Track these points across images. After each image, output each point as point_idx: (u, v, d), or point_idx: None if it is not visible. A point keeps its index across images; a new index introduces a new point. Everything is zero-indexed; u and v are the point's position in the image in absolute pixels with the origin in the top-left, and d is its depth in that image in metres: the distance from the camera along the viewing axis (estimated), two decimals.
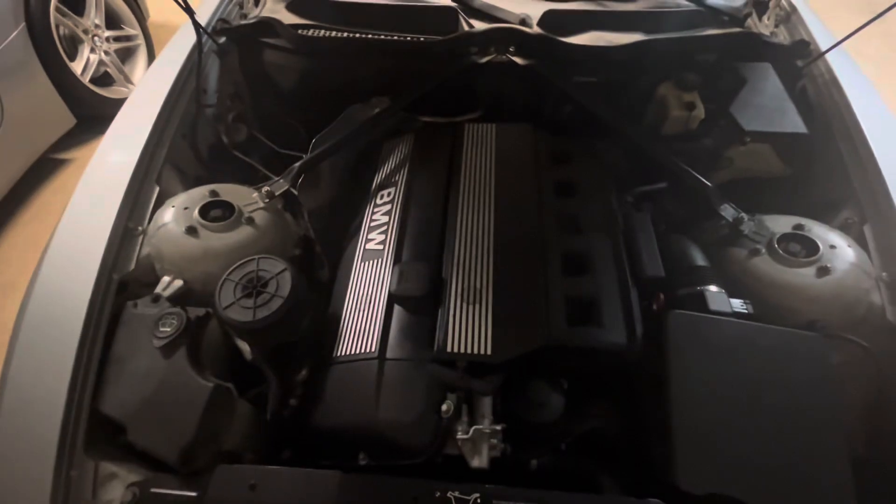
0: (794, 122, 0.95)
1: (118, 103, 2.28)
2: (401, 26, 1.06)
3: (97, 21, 2.14)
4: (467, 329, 0.69)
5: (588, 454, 0.71)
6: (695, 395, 0.65)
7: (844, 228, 0.85)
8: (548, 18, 1.04)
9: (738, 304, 0.74)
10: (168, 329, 0.72)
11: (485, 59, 1.03)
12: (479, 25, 1.05)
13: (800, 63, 1.06)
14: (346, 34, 1.06)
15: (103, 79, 2.21)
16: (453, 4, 1.08)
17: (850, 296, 0.75)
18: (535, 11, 1.06)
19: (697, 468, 0.61)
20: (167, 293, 0.78)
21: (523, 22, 1.04)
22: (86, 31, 2.09)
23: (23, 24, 1.77)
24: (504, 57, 1.02)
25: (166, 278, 0.79)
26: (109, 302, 0.75)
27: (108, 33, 2.20)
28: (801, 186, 0.97)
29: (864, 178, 0.86)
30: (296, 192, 0.92)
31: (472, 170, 0.91)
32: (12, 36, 1.73)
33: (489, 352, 0.67)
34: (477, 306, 0.71)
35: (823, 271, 0.75)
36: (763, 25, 1.17)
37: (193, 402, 0.66)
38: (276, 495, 0.60)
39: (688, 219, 0.93)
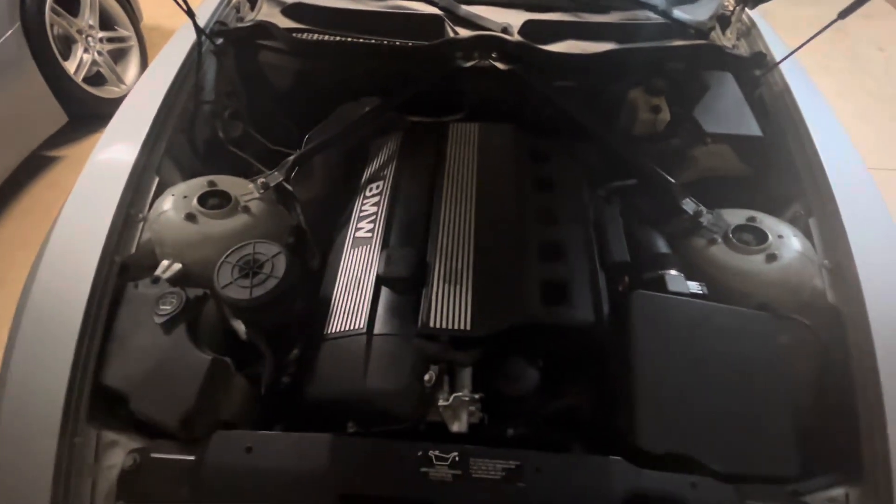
0: (749, 126, 1.04)
1: (110, 102, 2.34)
2: (390, 32, 1.13)
3: (91, 22, 2.18)
4: (449, 307, 0.75)
5: (561, 426, 0.77)
6: (655, 366, 0.72)
7: (793, 221, 0.94)
8: (528, 27, 1.12)
9: (695, 287, 0.82)
10: (168, 307, 0.76)
11: (469, 64, 1.10)
12: (464, 32, 1.12)
13: (757, 72, 1.16)
14: (338, 38, 1.13)
15: (96, 78, 2.24)
16: (440, 13, 1.15)
17: (795, 280, 0.83)
18: (516, 21, 1.14)
19: (656, 429, 0.68)
20: (166, 275, 0.82)
21: (505, 30, 1.11)
22: (80, 32, 2.13)
23: (18, 24, 1.80)
24: (487, 62, 1.09)
25: (165, 262, 0.84)
26: (111, 282, 0.80)
27: (101, 34, 2.24)
28: (757, 184, 1.06)
29: (811, 177, 0.94)
30: (289, 185, 0.98)
31: (456, 165, 0.97)
32: (7, 34, 1.76)
33: (468, 327, 0.73)
34: (458, 286, 0.77)
35: (772, 258, 0.83)
36: (725, 38, 1.26)
37: (193, 373, 0.71)
38: (271, 457, 0.65)
39: (655, 212, 1.01)
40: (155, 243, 0.86)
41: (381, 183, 0.99)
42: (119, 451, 0.70)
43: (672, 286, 0.80)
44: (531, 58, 1.08)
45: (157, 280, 0.81)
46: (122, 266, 0.83)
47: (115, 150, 0.95)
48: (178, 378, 0.71)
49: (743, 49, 1.23)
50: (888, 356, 0.71)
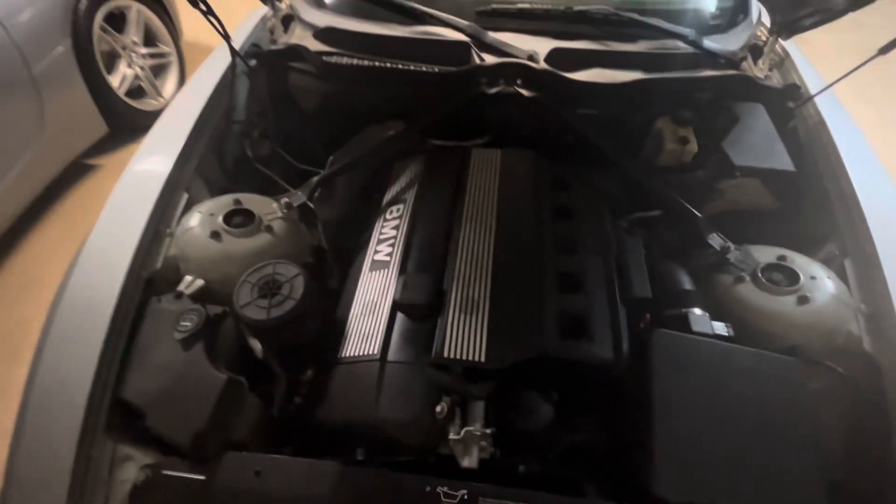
0: (781, 160, 1.01)
1: (148, 115, 2.44)
2: (418, 57, 1.15)
3: (135, 39, 2.29)
4: (464, 337, 0.74)
5: (574, 464, 0.75)
6: (675, 410, 0.69)
7: (827, 262, 0.90)
8: (554, 55, 1.12)
9: (720, 327, 0.79)
10: (188, 324, 0.78)
11: (493, 90, 1.11)
12: (490, 59, 1.13)
13: (791, 105, 1.13)
14: (366, 62, 1.15)
15: (136, 91, 2.35)
16: (467, 39, 1.16)
17: (828, 324, 0.79)
18: (543, 48, 1.14)
19: (674, 477, 0.65)
20: (189, 291, 0.84)
21: (531, 57, 1.11)
22: (124, 48, 2.24)
23: (69, 40, 1.90)
24: (511, 89, 1.10)
25: (189, 277, 0.86)
26: (136, 296, 0.82)
27: (143, 50, 2.35)
28: (788, 220, 1.02)
29: (847, 216, 0.91)
30: (311, 205, 0.99)
31: (477, 191, 0.97)
32: (59, 50, 1.87)
33: (483, 359, 0.72)
34: (474, 316, 0.76)
35: (803, 300, 0.80)
36: (758, 69, 1.24)
37: (208, 391, 0.71)
38: (279, 482, 0.65)
39: (680, 246, 0.99)
40: (180, 259, 0.89)
41: (401, 206, 0.99)
42: (133, 466, 0.71)
43: (696, 326, 0.77)
44: (556, 85, 1.08)
45: (179, 295, 0.83)
46: (148, 280, 0.85)
47: (149, 166, 0.99)
48: (193, 396, 0.71)
49: (776, 80, 1.21)
50: None
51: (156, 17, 2.36)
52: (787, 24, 1.13)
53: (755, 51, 1.27)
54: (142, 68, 2.34)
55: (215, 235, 0.89)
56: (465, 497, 0.62)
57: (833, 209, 0.93)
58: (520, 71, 1.09)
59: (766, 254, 0.89)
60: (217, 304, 0.82)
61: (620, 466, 0.71)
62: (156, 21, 2.38)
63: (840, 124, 1.05)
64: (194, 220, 0.92)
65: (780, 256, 0.87)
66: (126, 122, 2.25)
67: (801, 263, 0.86)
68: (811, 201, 0.99)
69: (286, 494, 0.64)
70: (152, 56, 2.41)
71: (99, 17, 2.04)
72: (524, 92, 1.10)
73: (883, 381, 0.73)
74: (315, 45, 1.22)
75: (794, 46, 1.27)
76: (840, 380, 0.75)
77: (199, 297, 0.84)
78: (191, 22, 2.74)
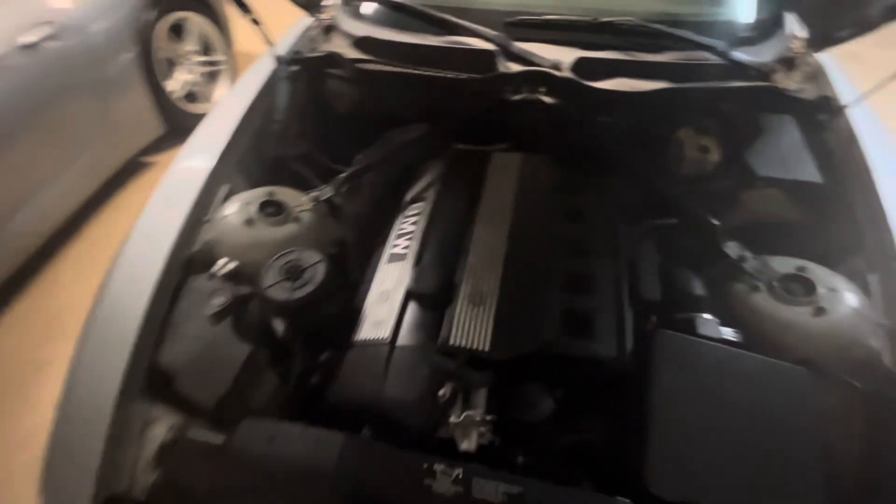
0: (807, 171, 0.99)
1: (200, 117, 2.60)
2: (446, 64, 1.20)
3: (192, 47, 2.48)
4: (471, 327, 0.77)
5: (572, 459, 0.76)
6: (674, 409, 0.69)
7: (851, 276, 0.87)
8: (579, 64, 1.14)
9: (728, 333, 0.78)
10: (218, 301, 0.85)
11: (517, 97, 1.14)
12: (515, 68, 1.17)
13: (822, 117, 1.10)
14: (396, 69, 1.21)
15: (190, 96, 2.54)
16: (494, 48, 1.21)
17: (846, 337, 0.77)
18: (569, 58, 1.17)
19: (669, 475, 0.65)
20: (221, 272, 0.91)
21: (555, 66, 1.14)
22: (182, 56, 2.43)
23: (136, 47, 2.09)
24: (534, 96, 1.13)
25: (222, 260, 0.93)
26: (176, 275, 0.90)
27: (199, 58, 2.54)
28: (814, 233, 1.00)
29: (874, 230, 0.88)
30: (338, 200, 1.06)
31: (494, 192, 1.01)
32: (127, 56, 2.06)
33: (487, 348, 0.75)
34: (482, 308, 0.79)
35: (819, 311, 0.78)
36: (791, 81, 1.21)
37: (231, 362, 0.78)
38: (289, 448, 0.70)
39: (697, 254, 0.98)
40: (215, 243, 0.96)
41: (421, 204, 1.04)
42: (162, 426, 0.77)
43: (702, 329, 0.77)
44: (578, 93, 1.10)
45: (213, 276, 0.91)
46: (187, 261, 0.93)
47: (195, 160, 1.08)
48: (218, 366, 0.78)
49: (809, 93, 1.18)
50: None
51: (212, 28, 2.55)
52: (822, 37, 1.12)
53: (789, 63, 1.25)
54: (197, 75, 2.53)
55: (249, 223, 0.96)
56: (460, 476, 0.64)
57: (860, 223, 0.91)
58: (543, 79, 1.12)
59: (785, 265, 0.87)
60: (246, 286, 0.89)
61: (617, 463, 0.71)
62: (211, 32, 2.57)
63: (874, 137, 1.02)
64: (231, 208, 1.00)
65: (800, 268, 0.86)
66: (180, 124, 2.43)
67: (821, 275, 0.84)
68: (838, 215, 0.97)
69: (295, 460, 0.69)
70: (207, 64, 2.60)
71: (163, 28, 2.23)
72: (546, 99, 1.13)
73: None
74: (352, 53, 1.30)
75: (831, 60, 1.25)
76: (855, 394, 0.73)
77: (231, 278, 0.91)
78: (243, 33, 2.95)
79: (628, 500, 0.63)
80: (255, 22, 1.11)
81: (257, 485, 0.69)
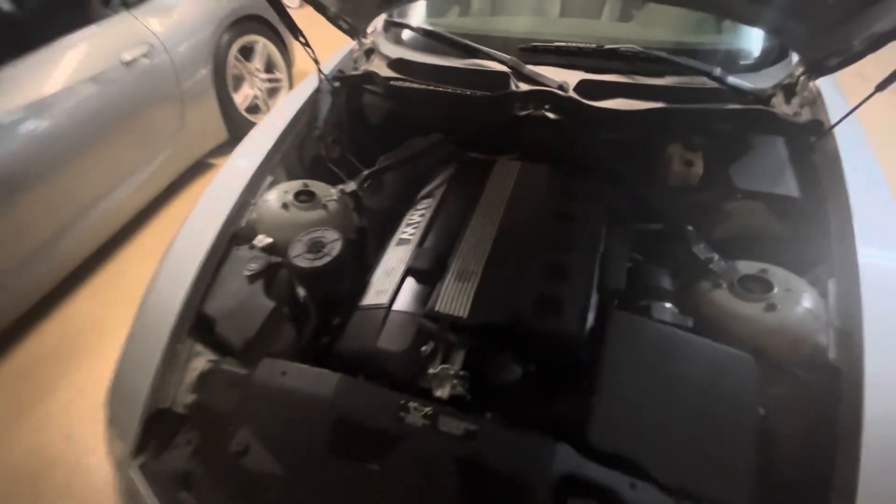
0: (786, 186, 1.07)
1: None
2: (465, 83, 1.37)
3: (258, 66, 2.82)
4: (454, 298, 0.91)
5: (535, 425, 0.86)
6: (619, 376, 0.80)
7: (813, 281, 0.94)
8: (582, 85, 1.28)
9: (682, 319, 0.87)
10: (254, 265, 1.04)
11: (524, 113, 1.29)
12: (524, 87, 1.32)
13: (811, 139, 1.17)
14: (423, 86, 1.40)
15: (253, 108, 2.87)
16: (507, 70, 1.37)
17: (795, 333, 0.84)
18: (574, 79, 1.31)
19: (608, 430, 0.75)
20: (259, 245, 1.11)
21: (560, 87, 1.28)
22: (249, 73, 2.77)
23: (210, 65, 2.43)
24: (539, 112, 1.27)
25: (261, 236, 1.13)
26: (223, 245, 1.10)
27: (263, 76, 2.88)
28: (787, 242, 1.06)
29: (841, 243, 0.94)
30: (360, 194, 1.24)
31: (493, 192, 1.15)
32: (202, 73, 2.39)
33: (466, 316, 0.88)
34: (466, 284, 0.93)
35: (771, 307, 0.86)
36: (789, 106, 1.29)
37: (258, 313, 0.96)
38: (296, 381, 0.86)
39: (674, 255, 1.07)
40: (257, 222, 1.16)
41: (430, 200, 1.20)
42: (201, 360, 0.96)
43: (657, 314, 0.87)
44: (579, 111, 1.23)
45: (252, 247, 1.10)
46: (232, 235, 1.13)
47: (246, 156, 1.30)
48: (248, 315, 0.96)
49: (803, 116, 1.25)
50: (876, 420, 0.71)
51: (276, 50, 2.89)
52: (813, 65, 1.19)
53: (790, 89, 1.32)
54: (260, 90, 2.86)
55: (285, 207, 1.16)
56: (429, 412, 0.77)
57: (830, 236, 0.97)
58: (548, 97, 1.27)
59: (749, 267, 0.95)
60: (278, 257, 1.08)
61: (565, 418, 0.81)
62: (275, 53, 2.91)
63: (856, 158, 1.08)
64: (271, 195, 1.20)
65: (762, 270, 0.93)
66: (242, 132, 2.73)
67: (781, 277, 0.92)
68: (812, 228, 1.03)
69: (299, 390, 0.84)
70: (269, 81, 2.93)
71: (234, 49, 2.57)
72: (550, 115, 1.27)
73: (842, 392, 0.77)
74: (387, 73, 1.50)
75: (832, 88, 1.31)
76: (797, 384, 0.80)
77: (267, 250, 1.10)
78: (302, 55, 3.29)
79: (568, 446, 0.73)
80: (306, 44, 1.33)
81: (270, 408, 0.85)
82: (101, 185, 2.02)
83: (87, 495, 1.54)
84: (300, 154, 1.43)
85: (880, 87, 0.95)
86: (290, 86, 3.09)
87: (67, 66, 1.86)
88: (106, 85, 1.95)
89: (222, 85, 2.53)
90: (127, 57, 2.03)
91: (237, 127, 2.71)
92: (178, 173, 2.52)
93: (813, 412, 0.79)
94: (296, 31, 1.29)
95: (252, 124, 2.78)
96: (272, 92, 3.00)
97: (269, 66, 2.93)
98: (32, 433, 1.68)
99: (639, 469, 0.72)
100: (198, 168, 2.70)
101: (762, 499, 0.70)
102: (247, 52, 2.73)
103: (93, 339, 1.96)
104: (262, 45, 2.79)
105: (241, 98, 2.73)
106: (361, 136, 1.54)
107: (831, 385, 0.78)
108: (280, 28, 2.89)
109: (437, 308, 0.90)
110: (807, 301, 0.87)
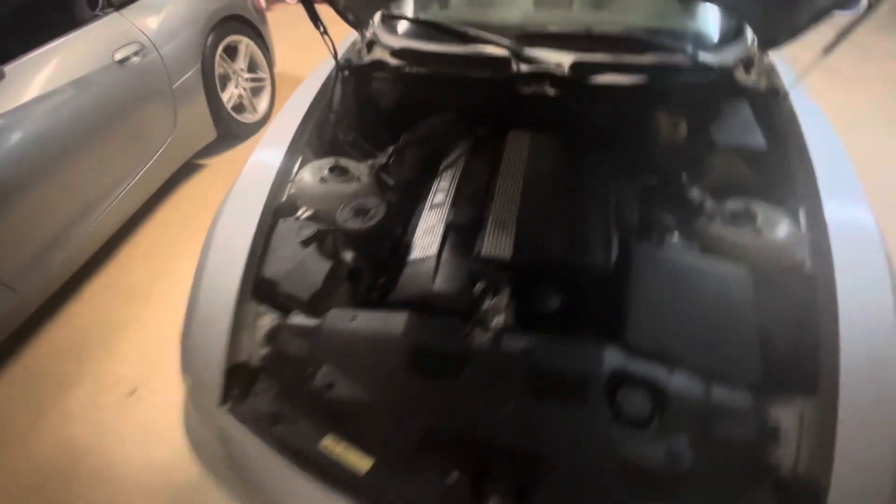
0: (756, 140, 1.27)
1: (246, 126, 2.98)
2: (471, 67, 1.51)
3: (242, 66, 2.85)
4: (497, 244, 1.04)
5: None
6: (647, 291, 0.96)
7: (786, 211, 1.14)
8: (576, 65, 1.45)
9: (689, 245, 1.05)
10: (307, 232, 1.14)
11: (527, 91, 1.45)
12: (525, 69, 1.47)
13: (770, 102, 1.39)
14: (433, 71, 1.52)
15: (238, 107, 2.89)
16: (508, 55, 1.52)
17: (777, 251, 1.03)
18: (568, 60, 1.48)
19: (645, 331, 0.91)
20: (303, 216, 1.21)
21: (557, 66, 1.45)
22: (234, 72, 2.80)
23: (198, 64, 2.46)
24: (541, 89, 1.43)
25: (304, 208, 1.23)
26: (269, 217, 1.19)
27: (247, 75, 2.91)
28: (762, 184, 1.26)
29: (805, 181, 1.14)
30: (387, 167, 1.35)
31: (511, 157, 1.29)
32: (191, 72, 2.41)
33: (509, 257, 1.02)
34: (505, 232, 1.07)
35: (758, 232, 1.05)
36: (749, 76, 1.51)
37: (321, 269, 1.06)
38: (367, 323, 0.96)
39: (673, 200, 1.25)
40: (297, 196, 1.26)
41: (453, 170, 1.33)
42: (268, 318, 1.05)
43: (667, 243, 1.04)
44: (574, 87, 1.40)
45: (297, 218, 1.20)
46: (276, 209, 1.22)
47: (277, 139, 1.38)
48: (311, 272, 1.06)
49: (761, 84, 1.47)
50: (846, 312, 0.88)
51: (258, 50, 2.93)
52: (767, 40, 1.41)
53: (748, 62, 1.54)
54: (245, 89, 2.89)
55: (323, 181, 1.26)
56: (493, 334, 0.90)
57: (794, 175, 1.18)
58: (547, 76, 1.43)
59: (736, 204, 1.14)
60: (322, 224, 1.17)
61: (607, 330, 0.96)
62: (258, 53, 2.95)
63: (808, 116, 1.29)
64: (307, 172, 1.30)
65: (746, 205, 1.12)
66: (229, 131, 2.78)
67: (762, 209, 1.11)
68: (780, 170, 1.24)
69: (371, 331, 0.95)
70: (252, 80, 2.97)
71: (220, 49, 2.60)
72: (550, 91, 1.43)
73: (817, 291, 0.96)
74: (392, 62, 1.61)
75: (781, 57, 1.54)
76: (781, 289, 0.99)
77: (310, 220, 1.20)
78: (281, 56, 3.34)
79: (615, 348, 0.88)
80: (325, 33, 1.43)
81: (346, 348, 0.95)
82: (101, 184, 2.02)
83: (120, 483, 1.56)
84: (320, 137, 1.52)
85: (826, 51, 1.16)
86: (273, 85, 3.13)
87: (62, 65, 1.86)
88: (101, 83, 1.96)
89: (211, 84, 2.55)
90: (119, 56, 2.04)
91: (225, 126, 2.73)
92: (173, 171, 2.52)
93: (796, 311, 0.97)
94: (317, 21, 1.38)
95: (239, 123, 2.84)
96: (255, 91, 3.03)
97: (252, 66, 2.97)
98: (59, 427, 1.68)
99: (672, 360, 0.88)
100: (186, 169, 2.70)
101: (766, 373, 0.87)
102: (231, 53, 2.76)
103: (103, 336, 1.96)
104: (246, 45, 2.83)
105: (227, 97, 2.75)
106: (371, 121, 1.65)
107: (809, 289, 0.97)
108: (262, 29, 2.94)
109: (484, 252, 1.03)
110: (784, 226, 1.07)
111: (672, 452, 0.79)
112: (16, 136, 1.68)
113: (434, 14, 1.83)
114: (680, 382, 0.84)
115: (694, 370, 0.86)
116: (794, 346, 0.93)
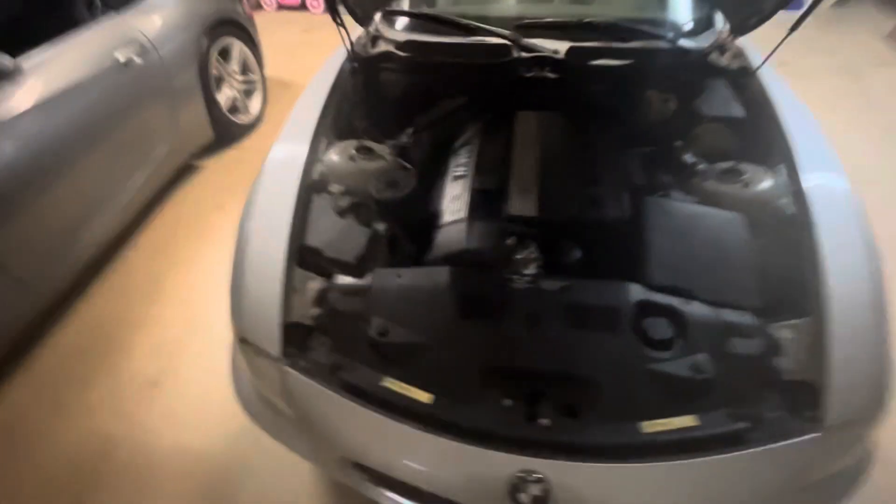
0: (736, 110, 1.44)
1: (240, 126, 3.03)
2: (475, 56, 1.63)
3: (235, 68, 2.89)
4: (524, 204, 1.16)
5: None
6: (659, 238, 1.09)
7: (767, 168, 1.30)
8: (572, 51, 1.59)
9: (689, 199, 1.19)
10: (343, 204, 1.22)
11: (529, 75, 1.58)
12: (525, 55, 1.60)
13: (742, 80, 1.56)
14: (440, 60, 1.64)
15: (232, 108, 2.93)
16: (509, 43, 1.64)
17: (762, 200, 1.18)
18: (563, 47, 1.62)
19: (661, 271, 1.04)
20: (335, 191, 1.29)
21: (555, 52, 1.59)
22: (228, 74, 2.84)
23: (196, 66, 2.49)
24: (541, 73, 1.57)
25: (335, 185, 1.31)
26: (303, 193, 1.26)
27: (240, 77, 2.95)
28: (743, 148, 1.42)
29: (778, 143, 1.31)
30: (408, 147, 1.45)
31: (524, 133, 1.41)
32: (189, 72, 2.45)
33: (536, 214, 1.13)
34: (529, 194, 1.18)
35: (745, 185, 1.20)
36: (723, 58, 1.68)
37: (362, 235, 1.15)
38: (413, 279, 1.06)
39: (670, 165, 1.40)
40: (328, 174, 1.34)
41: (469, 147, 1.44)
42: (315, 282, 1.13)
43: (673, 196, 1.18)
44: (571, 70, 1.54)
45: (331, 194, 1.28)
46: (308, 186, 1.30)
47: (301, 123, 1.46)
48: (354, 238, 1.14)
49: (734, 65, 1.64)
50: (827, 247, 1.03)
51: (250, 53, 2.98)
52: (737, 27, 1.59)
53: (721, 47, 1.73)
54: (238, 91, 2.93)
55: (352, 158, 1.35)
56: (531, 278, 1.01)
57: (771, 138, 1.34)
58: (546, 61, 1.56)
59: (725, 164, 1.30)
60: (355, 197, 1.26)
61: (626, 272, 1.09)
62: (249, 56, 3.00)
63: (777, 90, 1.47)
64: (334, 152, 1.38)
65: (734, 164, 1.28)
66: (225, 131, 2.81)
67: (748, 167, 1.26)
68: (756, 136, 1.40)
69: (418, 285, 1.05)
70: (245, 82, 3.01)
71: (214, 51, 2.64)
72: (550, 75, 1.56)
73: (798, 232, 1.11)
74: (398, 54, 1.72)
75: (751, 44, 1.73)
76: (768, 231, 1.14)
77: (343, 194, 1.29)
78: (269, 60, 3.39)
79: (638, 284, 1.01)
80: (341, 24, 1.52)
81: (395, 301, 1.04)
82: (107, 182, 2.03)
83: (149, 470, 1.58)
84: (336, 124, 1.61)
85: (792, 29, 1.34)
86: (264, 87, 3.18)
87: (66, 64, 1.88)
88: (105, 83, 1.98)
89: (207, 85, 2.59)
90: (121, 57, 2.07)
91: (220, 126, 2.77)
92: (174, 171, 2.54)
93: (785, 248, 1.12)
94: (335, 14, 1.47)
95: (234, 124, 2.87)
96: (248, 93, 3.07)
97: (244, 69, 3.01)
98: (82, 421, 1.68)
99: (686, 293, 1.01)
100: (183, 170, 2.72)
101: (765, 299, 1.01)
102: (224, 55, 2.80)
103: (114, 332, 1.96)
104: (239, 47, 2.88)
105: (222, 99, 2.79)
106: (383, 108, 1.75)
107: (794, 229, 1.12)
108: (252, 32, 2.99)
109: (512, 211, 1.15)
110: (767, 180, 1.22)
111: (694, 366, 0.91)
112: (27, 134, 1.69)
113: (434, 8, 1.95)
114: (695, 309, 0.97)
115: (705, 300, 0.99)
116: (787, 276, 1.08)
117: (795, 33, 1.29)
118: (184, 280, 2.15)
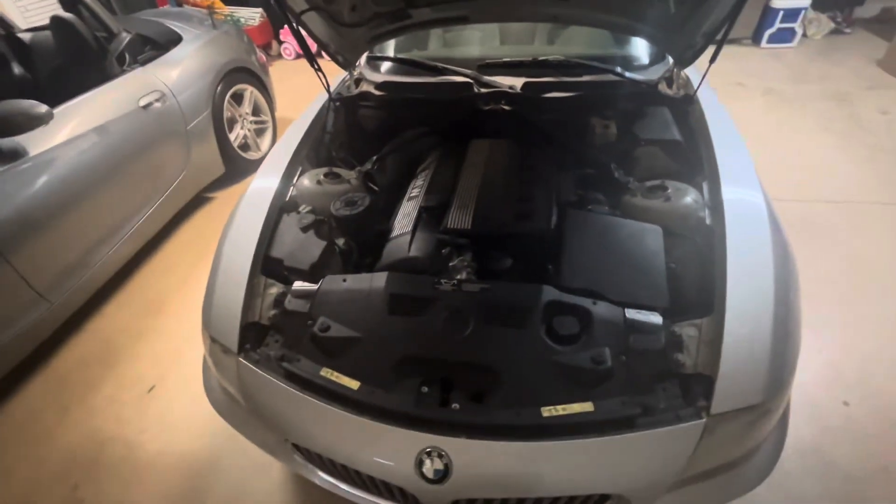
0: (672, 134, 1.56)
1: (251, 162, 3.31)
2: (440, 92, 1.83)
3: (247, 110, 3.21)
4: (459, 219, 1.30)
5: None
6: (577, 246, 1.20)
7: (695, 186, 1.40)
8: (527, 86, 1.77)
9: (613, 213, 1.30)
10: (306, 221, 1.39)
11: (486, 108, 1.75)
12: (484, 90, 1.79)
13: (685, 108, 1.69)
14: (409, 97, 1.84)
15: (244, 146, 3.23)
16: (471, 81, 1.84)
17: (683, 213, 1.29)
18: (519, 82, 1.79)
19: (572, 274, 1.14)
20: (303, 211, 1.47)
21: (511, 87, 1.77)
22: (240, 115, 3.15)
23: (209, 109, 2.81)
24: (498, 106, 1.74)
25: (303, 206, 1.49)
26: (275, 213, 1.44)
27: (251, 118, 3.27)
28: (678, 168, 1.54)
29: (709, 165, 1.42)
30: (372, 173, 1.63)
31: (473, 159, 1.57)
32: (203, 115, 2.76)
33: (469, 227, 1.27)
34: (465, 211, 1.33)
35: (667, 199, 1.31)
36: (671, 88, 1.82)
37: (317, 246, 1.31)
38: (356, 283, 1.20)
39: (605, 184, 1.52)
40: (298, 196, 1.52)
41: (426, 172, 1.61)
42: (275, 288, 1.28)
43: (594, 209, 1.30)
44: (525, 102, 1.71)
45: (298, 213, 1.46)
46: (280, 206, 1.48)
47: (280, 155, 1.66)
48: (309, 249, 1.30)
49: (679, 93, 1.78)
50: (734, 254, 1.12)
51: (261, 96, 3.31)
52: (679, 60, 1.73)
53: (670, 79, 1.87)
54: (249, 131, 3.24)
55: (319, 183, 1.53)
56: (457, 282, 1.14)
57: (702, 160, 1.45)
58: (503, 95, 1.74)
59: (653, 182, 1.41)
60: (319, 216, 1.43)
61: (544, 277, 1.20)
62: (261, 99, 3.33)
63: (715, 117, 1.58)
64: (306, 178, 1.57)
65: (661, 181, 1.39)
66: (235, 167, 3.09)
67: (673, 184, 1.37)
68: (691, 158, 1.51)
69: (359, 288, 1.19)
70: (256, 122, 3.33)
71: (227, 95, 2.97)
72: (506, 107, 1.73)
73: (713, 239, 1.20)
74: (376, 93, 1.94)
75: (694, 73, 1.86)
76: (687, 241, 1.24)
77: (309, 213, 1.46)
78: (281, 102, 3.73)
79: (550, 286, 1.12)
80: (318, 70, 1.75)
81: (339, 303, 1.18)
82: (125, 210, 2.29)
83: (141, 465, 1.72)
84: (317, 154, 1.81)
85: (711, 60, 1.47)
86: (275, 127, 3.49)
87: (97, 110, 2.18)
88: (128, 125, 2.28)
89: (220, 126, 2.89)
90: (143, 102, 2.38)
91: (232, 162, 3.05)
92: (186, 201, 2.81)
93: (697, 256, 1.21)
94: (313, 61, 1.70)
95: (244, 160, 3.16)
96: (259, 132, 3.38)
97: (256, 110, 3.33)
98: (83, 421, 1.85)
99: (596, 294, 1.11)
100: (197, 201, 3.00)
101: (674, 300, 1.10)
102: (237, 99, 3.13)
103: (124, 344, 2.16)
104: (251, 92, 3.20)
105: (234, 137, 3.09)
106: (358, 140, 1.96)
107: (708, 239, 1.22)
108: (264, 78, 3.33)
109: (449, 225, 1.29)
110: (690, 195, 1.33)
111: (594, 358, 1.01)
112: (58, 168, 1.97)
113: (414, 54, 2.19)
114: (602, 309, 1.07)
115: (616, 301, 1.09)
116: (696, 280, 1.17)
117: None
118: (186, 297, 2.36)
